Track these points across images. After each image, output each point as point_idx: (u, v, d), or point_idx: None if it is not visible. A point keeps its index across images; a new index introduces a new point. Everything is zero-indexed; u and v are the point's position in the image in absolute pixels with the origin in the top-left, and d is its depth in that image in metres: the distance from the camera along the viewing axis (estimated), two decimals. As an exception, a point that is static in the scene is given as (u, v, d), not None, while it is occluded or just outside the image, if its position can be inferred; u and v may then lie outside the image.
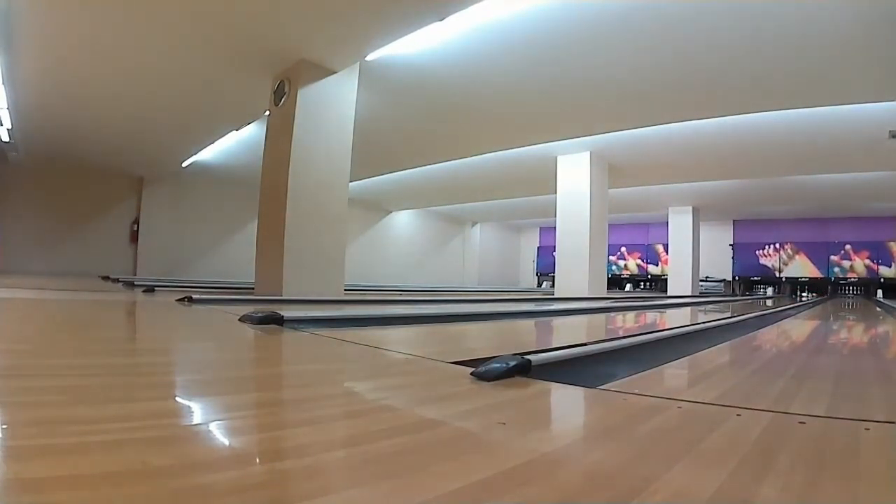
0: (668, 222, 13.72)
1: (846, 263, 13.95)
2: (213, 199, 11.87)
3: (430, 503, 0.57)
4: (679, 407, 1.10)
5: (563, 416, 1.17)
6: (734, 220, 15.51)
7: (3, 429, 0.81)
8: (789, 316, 5.27)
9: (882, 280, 13.40)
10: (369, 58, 5.00)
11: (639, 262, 17.15)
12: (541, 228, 18.89)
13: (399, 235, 16.06)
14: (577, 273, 8.51)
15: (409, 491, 0.61)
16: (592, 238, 8.54)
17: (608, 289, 9.67)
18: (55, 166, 9.86)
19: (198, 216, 11.76)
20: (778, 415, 1.04)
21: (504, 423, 0.92)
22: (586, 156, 8.52)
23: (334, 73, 5.14)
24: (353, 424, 0.94)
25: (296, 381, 1.43)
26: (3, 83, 5.99)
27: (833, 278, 14.03)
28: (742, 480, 0.68)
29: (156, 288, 5.09)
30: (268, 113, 5.59)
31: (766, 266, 15.05)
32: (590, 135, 7.52)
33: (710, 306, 7.11)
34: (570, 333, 3.32)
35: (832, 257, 14.10)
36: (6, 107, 6.73)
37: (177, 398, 1.15)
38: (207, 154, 9.37)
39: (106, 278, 7.48)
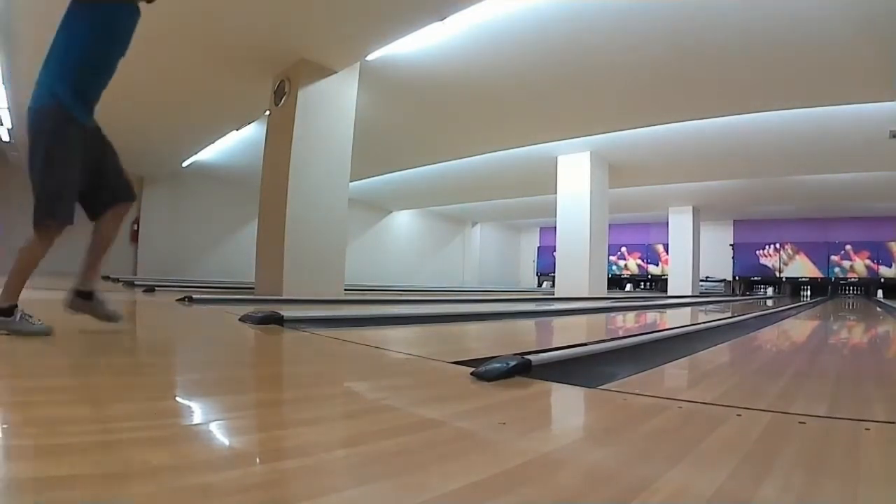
0: (668, 222, 13.73)
1: (846, 263, 13.95)
2: (213, 199, 11.86)
3: (429, 503, 0.58)
4: (679, 407, 1.10)
5: (564, 416, 1.17)
6: (734, 220, 15.50)
7: (3, 429, 0.81)
8: (789, 316, 5.27)
9: (882, 280, 13.40)
10: (369, 58, 5.00)
11: (639, 262, 17.15)
12: (541, 228, 18.88)
13: (399, 235, 16.05)
14: (578, 273, 8.51)
15: (409, 491, 0.61)
16: (592, 238, 8.54)
17: (608, 289, 9.67)
18: (55, 166, 9.84)
19: (198, 216, 11.75)
20: (778, 415, 1.04)
21: (504, 423, 0.92)
22: (586, 156, 8.52)
23: (334, 73, 5.13)
24: (354, 424, 0.94)
25: (296, 381, 1.43)
26: (3, 83, 5.99)
27: (833, 278, 14.03)
28: (742, 480, 0.68)
29: (156, 288, 5.09)
30: (268, 113, 5.59)
31: (766, 266, 15.04)
32: (590, 135, 7.52)
33: (711, 306, 7.11)
34: (571, 333, 3.32)
35: (832, 257, 14.09)
36: (6, 107, 6.73)
37: (177, 398, 1.15)
38: (207, 154, 9.37)
39: (106, 278, 7.47)
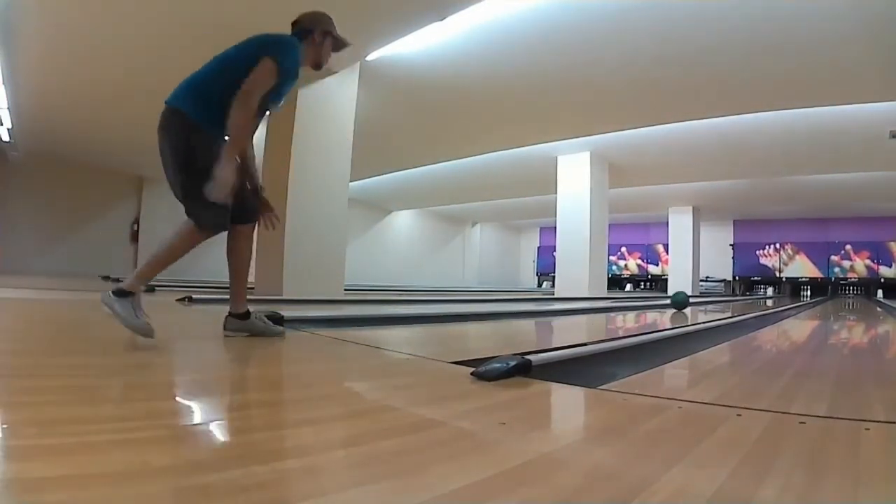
0: (668, 222, 13.73)
1: (846, 263, 13.95)
2: (214, 198, 11.86)
3: (429, 503, 0.58)
4: (679, 407, 1.10)
5: (564, 416, 1.17)
6: (734, 220, 15.50)
7: (3, 429, 0.81)
8: (789, 316, 5.27)
9: (882, 280, 13.40)
10: (369, 58, 5.00)
11: (639, 262, 17.15)
12: (541, 228, 18.88)
13: (399, 235, 16.05)
14: (578, 273, 8.51)
15: (409, 491, 0.61)
16: (592, 238, 8.54)
17: (608, 289, 9.67)
18: (55, 166, 9.85)
19: (198, 216, 11.75)
20: (778, 415, 1.04)
21: (504, 423, 0.92)
22: (586, 156, 8.52)
23: (334, 73, 5.13)
24: (354, 424, 0.94)
25: (296, 381, 1.43)
26: (3, 83, 5.99)
27: (833, 278, 14.03)
28: (742, 480, 0.68)
29: (156, 288, 5.08)
30: (268, 113, 5.59)
31: (766, 266, 15.04)
32: (590, 135, 7.52)
33: (711, 306, 7.11)
34: (571, 333, 3.32)
35: (832, 257, 14.10)
36: (6, 106, 6.73)
37: (177, 398, 1.15)
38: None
39: (106, 278, 7.47)
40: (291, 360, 1.74)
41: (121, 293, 1.60)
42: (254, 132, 1.97)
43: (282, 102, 2.00)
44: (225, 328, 1.94)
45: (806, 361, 2.13)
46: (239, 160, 1.95)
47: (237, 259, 1.93)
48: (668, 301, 5.57)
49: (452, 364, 1.51)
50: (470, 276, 18.00)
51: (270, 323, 2.01)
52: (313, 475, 0.68)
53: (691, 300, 5.85)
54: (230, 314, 1.94)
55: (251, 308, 2.00)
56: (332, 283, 5.18)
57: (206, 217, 1.72)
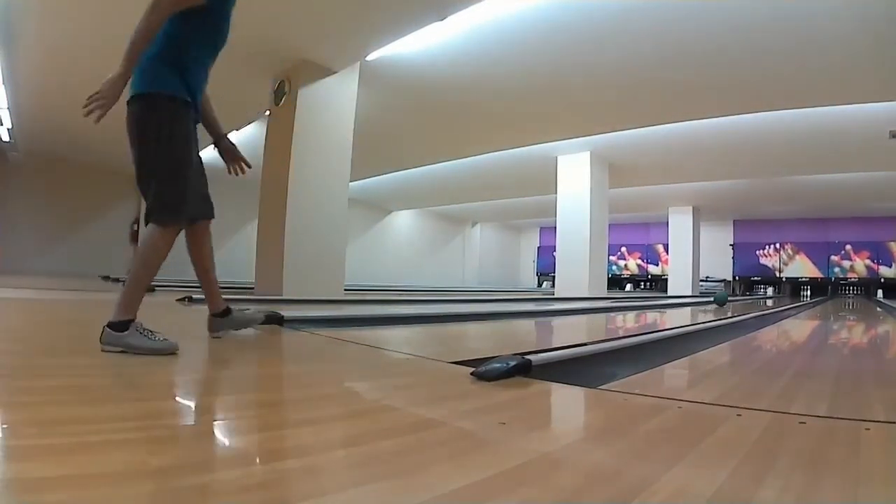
0: (668, 222, 13.73)
1: (846, 263, 13.94)
2: (214, 198, 11.80)
3: (429, 503, 0.58)
4: (679, 407, 1.10)
5: (564, 416, 1.17)
6: (734, 220, 15.49)
7: (3, 429, 0.81)
8: (789, 316, 5.27)
9: (882, 280, 13.39)
10: (369, 58, 5.00)
11: (639, 262, 17.15)
12: (541, 228, 18.87)
13: (399, 235, 16.05)
14: (578, 273, 8.51)
15: (409, 491, 0.61)
16: (592, 238, 8.54)
17: (608, 289, 9.67)
18: (55, 166, 9.85)
19: (198, 216, 11.74)
20: (778, 415, 1.04)
21: (504, 423, 0.92)
22: (586, 156, 8.52)
23: (334, 73, 5.13)
24: (353, 424, 0.94)
25: (296, 381, 1.43)
26: (4, 83, 5.99)
27: (833, 278, 14.02)
28: (742, 480, 0.68)
29: (156, 288, 5.08)
30: (268, 113, 5.59)
31: (766, 266, 15.03)
32: (590, 135, 7.52)
33: (711, 306, 7.10)
34: (571, 333, 3.32)
35: (832, 257, 14.09)
36: (6, 107, 6.73)
37: (177, 398, 1.15)
38: (206, 154, 9.33)
39: (106, 278, 7.47)
40: (291, 360, 1.74)
41: (119, 325, 1.45)
42: (203, 64, 1.86)
43: (227, 33, 1.86)
44: (210, 331, 1.89)
45: (806, 361, 2.13)
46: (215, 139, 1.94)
47: (201, 257, 1.84)
48: (711, 299, 6.80)
49: (452, 364, 1.51)
50: (470, 276, 17.99)
51: (249, 310, 2.00)
52: (313, 475, 0.68)
53: (729, 298, 7.01)
54: (212, 315, 1.88)
55: (251, 309, 2.00)
56: (332, 283, 5.18)
57: (188, 208, 1.65)
